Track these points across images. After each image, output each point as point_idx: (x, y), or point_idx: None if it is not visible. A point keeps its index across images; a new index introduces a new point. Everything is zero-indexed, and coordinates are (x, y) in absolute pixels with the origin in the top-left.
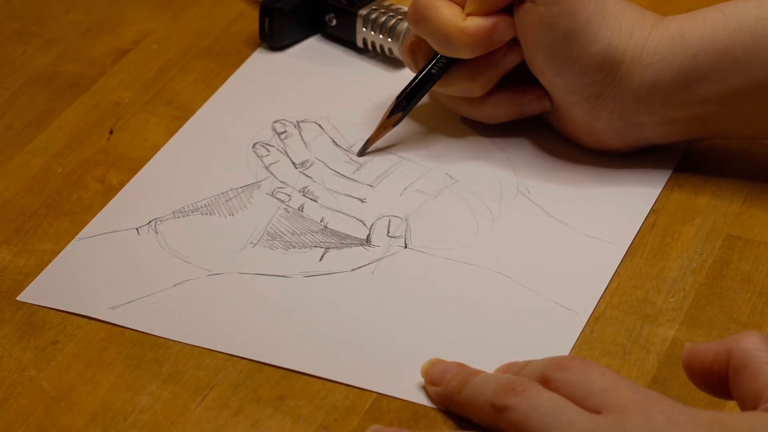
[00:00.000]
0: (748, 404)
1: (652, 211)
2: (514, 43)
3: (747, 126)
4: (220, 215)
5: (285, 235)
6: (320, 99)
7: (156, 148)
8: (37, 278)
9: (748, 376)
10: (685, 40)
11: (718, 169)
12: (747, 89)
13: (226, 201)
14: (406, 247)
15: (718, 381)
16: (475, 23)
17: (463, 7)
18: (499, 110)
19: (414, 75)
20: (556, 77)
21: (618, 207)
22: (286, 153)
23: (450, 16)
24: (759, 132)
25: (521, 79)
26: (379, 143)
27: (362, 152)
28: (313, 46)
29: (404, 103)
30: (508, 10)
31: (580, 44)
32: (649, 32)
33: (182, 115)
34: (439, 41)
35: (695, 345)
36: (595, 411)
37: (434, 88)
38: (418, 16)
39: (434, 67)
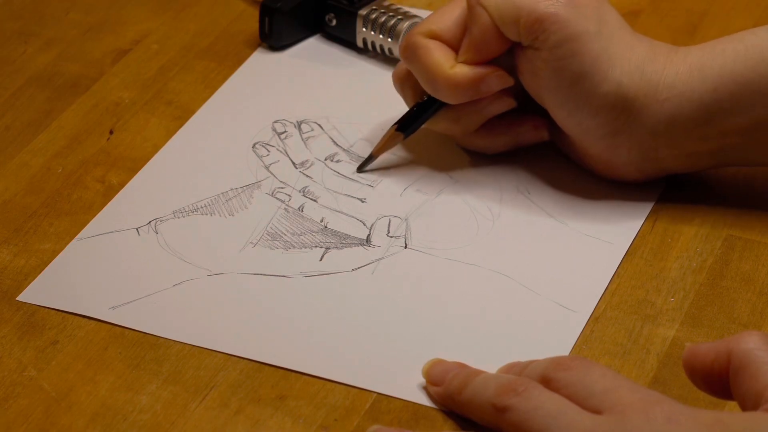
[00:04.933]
0: (748, 404)
1: (652, 211)
2: (502, 91)
3: None
4: (220, 215)
5: (285, 235)
6: (320, 99)
7: (156, 148)
8: (37, 278)
9: (749, 376)
10: (704, 73)
11: (718, 169)
12: None
13: (226, 201)
14: (406, 247)
15: (718, 381)
16: (463, 72)
17: (457, 51)
18: (496, 141)
19: (414, 105)
20: (568, 119)
21: (618, 207)
22: (286, 153)
23: (439, 60)
24: None
25: (517, 108)
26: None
27: (361, 169)
28: (313, 46)
29: (407, 132)
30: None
31: (588, 86)
32: (663, 66)
33: (182, 115)
34: (426, 84)
35: (696, 345)
36: (596, 411)
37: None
38: (409, 53)
39: (435, 103)
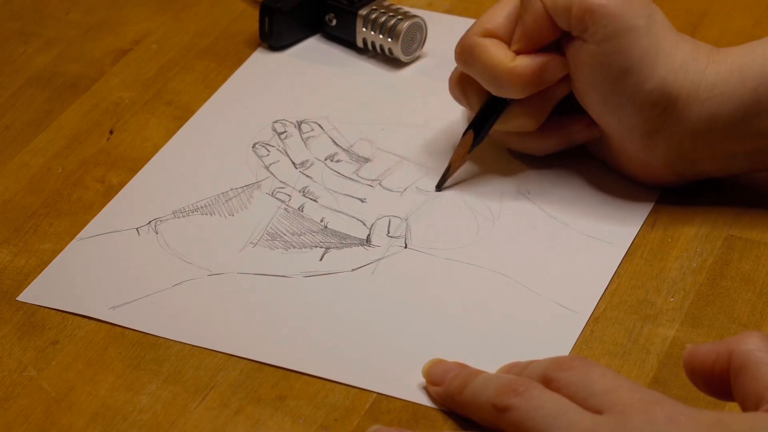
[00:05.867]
0: (749, 405)
1: (652, 211)
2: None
3: None
4: (220, 215)
5: (285, 235)
6: (320, 99)
7: (156, 148)
8: (37, 278)
9: (750, 377)
10: (744, 73)
11: None
12: None
13: (226, 201)
14: (406, 247)
15: (719, 382)
16: (524, 64)
17: (509, 44)
18: (549, 141)
19: (484, 106)
20: (609, 115)
21: (618, 207)
22: (286, 153)
23: (499, 56)
24: None
25: (567, 108)
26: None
27: (441, 186)
28: (313, 46)
29: (479, 137)
30: (557, 45)
31: (634, 82)
32: (705, 66)
33: (182, 115)
34: (489, 82)
35: (696, 346)
36: (597, 411)
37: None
38: (466, 56)
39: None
